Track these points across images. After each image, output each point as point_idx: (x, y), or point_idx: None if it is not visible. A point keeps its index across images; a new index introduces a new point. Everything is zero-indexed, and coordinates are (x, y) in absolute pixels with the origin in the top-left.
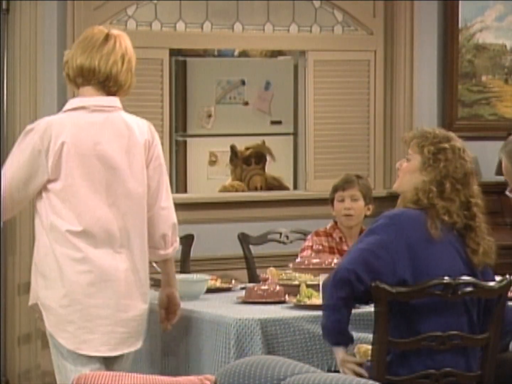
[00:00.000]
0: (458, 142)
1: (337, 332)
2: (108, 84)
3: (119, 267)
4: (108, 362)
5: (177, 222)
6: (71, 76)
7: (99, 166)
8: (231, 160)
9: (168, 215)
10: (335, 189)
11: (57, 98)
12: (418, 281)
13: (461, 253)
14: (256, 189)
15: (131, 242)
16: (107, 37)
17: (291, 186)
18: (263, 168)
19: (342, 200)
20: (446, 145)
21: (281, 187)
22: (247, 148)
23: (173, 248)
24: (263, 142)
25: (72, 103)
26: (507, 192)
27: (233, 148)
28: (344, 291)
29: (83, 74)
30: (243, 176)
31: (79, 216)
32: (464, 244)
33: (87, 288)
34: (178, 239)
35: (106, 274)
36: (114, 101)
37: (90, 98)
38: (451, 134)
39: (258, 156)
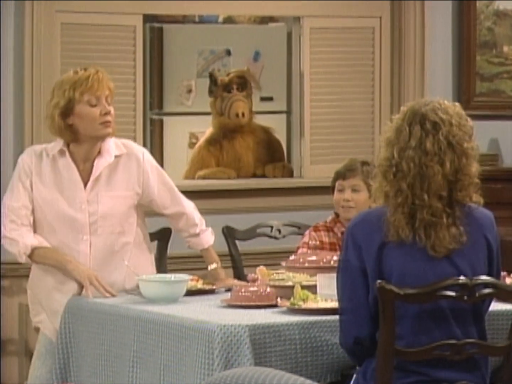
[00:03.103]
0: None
1: None
2: None
3: None
4: None
5: None
6: None
7: None
8: (210, 91)
9: None
10: (336, 177)
11: (13, 90)
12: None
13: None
14: (237, 115)
15: None
16: None
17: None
18: (248, 97)
19: (342, 190)
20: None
21: (270, 140)
22: (228, 74)
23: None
24: (248, 69)
25: None
26: None
27: (212, 75)
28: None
29: None
30: (223, 106)
31: None
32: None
33: None
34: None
35: None
36: None
37: None
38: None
39: (240, 82)
